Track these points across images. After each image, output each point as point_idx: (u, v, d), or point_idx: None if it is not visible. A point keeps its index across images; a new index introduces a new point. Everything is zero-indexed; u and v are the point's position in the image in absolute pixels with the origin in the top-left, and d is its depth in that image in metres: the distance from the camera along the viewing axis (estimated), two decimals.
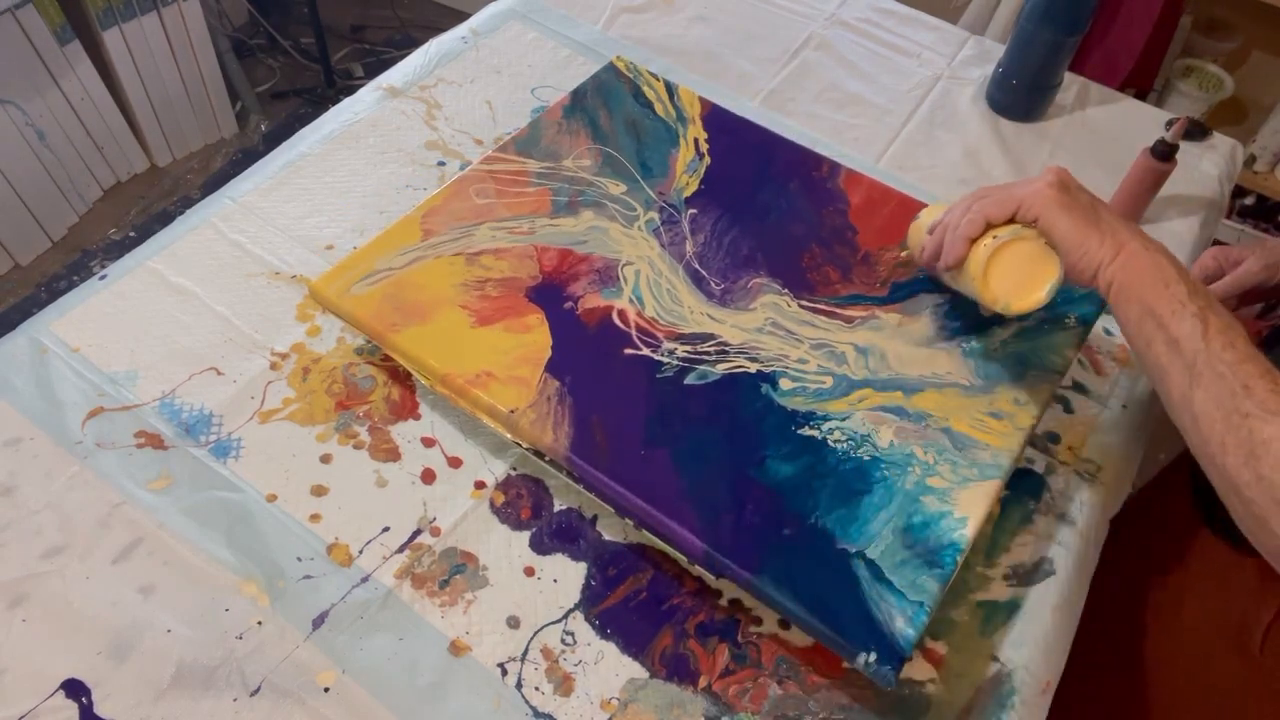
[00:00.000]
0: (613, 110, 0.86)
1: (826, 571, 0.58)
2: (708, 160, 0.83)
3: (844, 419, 0.66)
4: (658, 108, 0.87)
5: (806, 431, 0.65)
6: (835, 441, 0.64)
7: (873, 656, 0.54)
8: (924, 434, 0.65)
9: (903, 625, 0.56)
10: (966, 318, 0.72)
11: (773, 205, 0.80)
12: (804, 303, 0.73)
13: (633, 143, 0.84)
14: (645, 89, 0.88)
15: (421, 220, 0.75)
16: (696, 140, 0.85)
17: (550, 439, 0.63)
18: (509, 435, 0.65)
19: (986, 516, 0.62)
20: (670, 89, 0.89)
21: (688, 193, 0.80)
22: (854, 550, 0.59)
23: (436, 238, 0.74)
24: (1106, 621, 0.71)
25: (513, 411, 0.64)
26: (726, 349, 0.69)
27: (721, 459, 0.63)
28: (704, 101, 0.88)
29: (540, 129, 0.84)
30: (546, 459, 0.65)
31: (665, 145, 0.84)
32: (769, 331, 0.70)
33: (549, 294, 0.71)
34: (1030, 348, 0.70)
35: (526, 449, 0.65)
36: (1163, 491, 0.81)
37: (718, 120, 0.87)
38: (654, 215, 0.78)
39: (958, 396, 0.67)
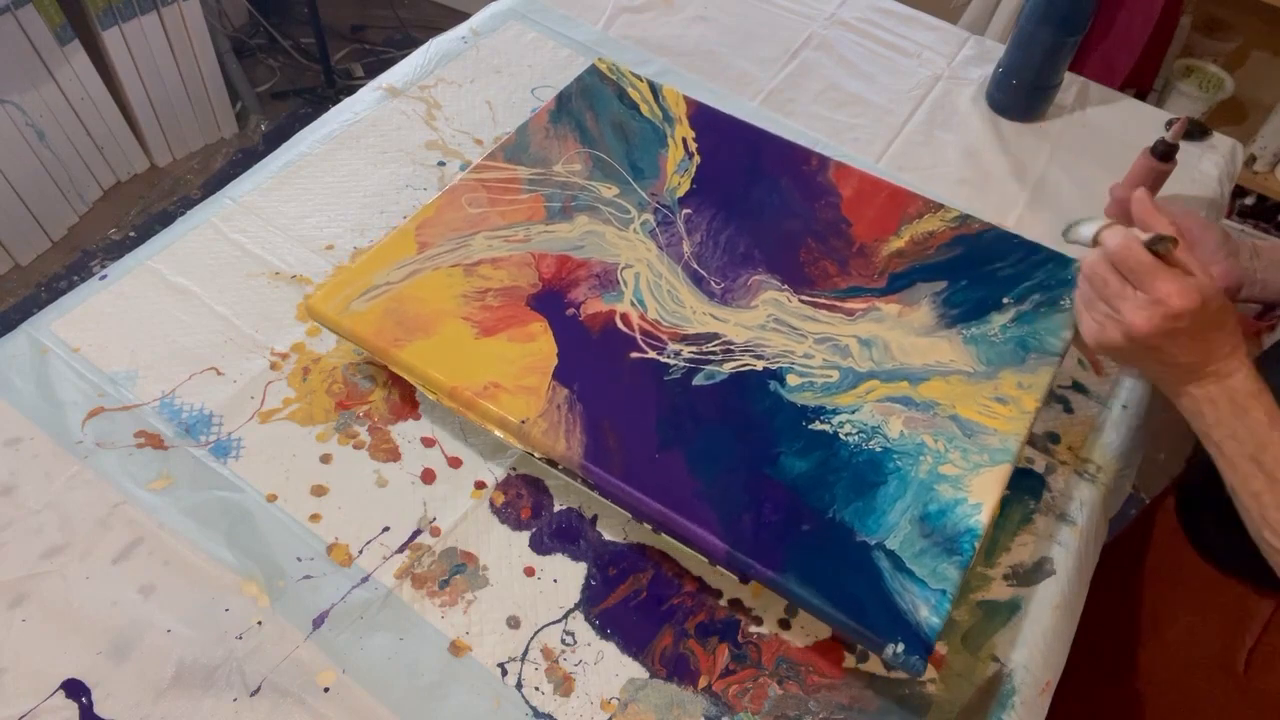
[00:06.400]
0: (599, 113, 0.86)
1: (849, 565, 0.58)
2: (698, 159, 0.83)
3: (853, 412, 0.66)
4: (643, 109, 0.86)
5: (817, 426, 0.65)
6: (846, 435, 0.64)
7: (900, 647, 0.55)
8: (933, 422, 0.65)
9: (927, 614, 0.56)
10: (962, 305, 0.72)
11: (766, 202, 0.80)
12: (804, 297, 0.73)
13: (621, 145, 0.83)
14: (629, 90, 0.88)
15: (416, 232, 0.74)
16: (685, 140, 0.84)
17: (564, 447, 0.62)
18: (522, 446, 0.65)
19: (1000, 501, 0.62)
20: (654, 89, 0.88)
21: (680, 193, 0.80)
22: (874, 542, 0.59)
23: (432, 249, 0.73)
24: (1097, 635, 0.71)
25: (524, 422, 0.63)
26: (732, 348, 0.69)
27: (736, 458, 0.63)
28: (689, 100, 0.87)
29: (527, 135, 0.83)
30: (559, 467, 0.65)
31: (654, 146, 0.83)
32: (772, 328, 0.70)
33: (550, 301, 0.71)
34: (1029, 331, 0.70)
35: (540, 459, 0.65)
36: (1153, 511, 0.82)
37: (704, 119, 0.86)
38: (649, 217, 0.78)
39: (962, 383, 0.67)
